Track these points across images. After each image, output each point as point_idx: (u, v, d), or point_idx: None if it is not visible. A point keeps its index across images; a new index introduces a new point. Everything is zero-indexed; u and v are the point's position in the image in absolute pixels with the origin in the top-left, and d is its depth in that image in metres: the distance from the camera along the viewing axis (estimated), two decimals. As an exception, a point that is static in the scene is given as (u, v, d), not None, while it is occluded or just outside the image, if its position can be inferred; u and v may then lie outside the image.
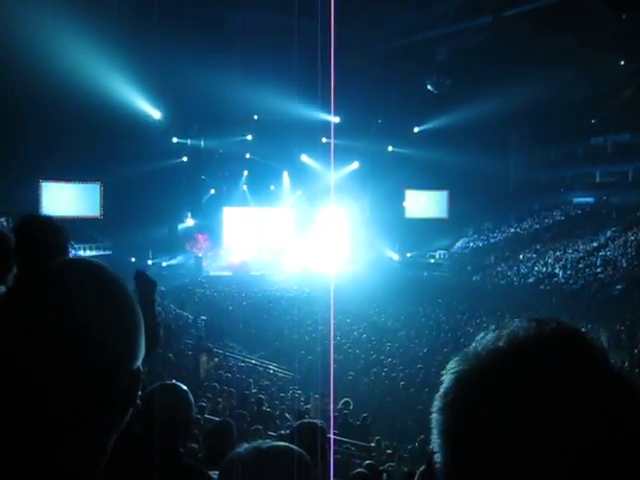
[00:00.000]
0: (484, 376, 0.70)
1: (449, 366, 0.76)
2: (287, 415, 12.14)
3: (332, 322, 24.01)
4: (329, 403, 12.21)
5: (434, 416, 0.75)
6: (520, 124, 48.84)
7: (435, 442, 0.75)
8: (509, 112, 44.59)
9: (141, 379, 0.97)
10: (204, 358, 17.57)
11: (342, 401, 12.74)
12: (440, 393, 0.75)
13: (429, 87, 41.70)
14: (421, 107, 42.52)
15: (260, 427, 8.30)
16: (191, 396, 2.81)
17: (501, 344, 0.72)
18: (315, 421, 3.68)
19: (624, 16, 40.52)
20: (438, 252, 46.97)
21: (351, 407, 12.68)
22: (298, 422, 3.56)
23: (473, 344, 0.76)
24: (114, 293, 0.96)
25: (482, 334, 0.77)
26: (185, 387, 2.87)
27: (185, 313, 27.06)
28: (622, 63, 46.74)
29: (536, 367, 0.67)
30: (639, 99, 46.24)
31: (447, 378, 0.75)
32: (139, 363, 0.97)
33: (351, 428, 11.84)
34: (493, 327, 0.77)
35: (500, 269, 40.87)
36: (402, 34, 37.89)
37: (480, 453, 0.68)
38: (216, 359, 18.29)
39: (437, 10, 37.23)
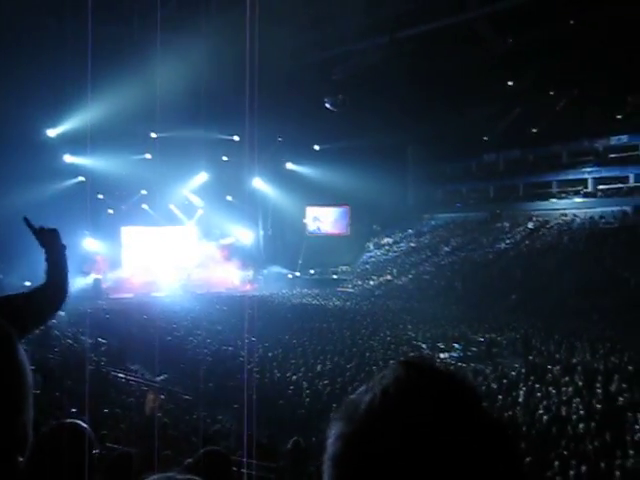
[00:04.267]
0: (374, 442, 0.70)
1: (334, 425, 0.75)
2: (194, 439, 11.88)
3: (237, 342, 23.82)
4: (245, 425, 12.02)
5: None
6: (417, 141, 50.23)
7: None
8: (406, 130, 45.83)
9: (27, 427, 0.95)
10: (151, 396, 16.98)
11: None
12: (330, 456, 0.74)
13: (327, 105, 42.28)
14: (321, 125, 43.01)
15: (169, 452, 8.08)
16: (91, 434, 2.65)
17: (382, 406, 0.72)
18: (218, 448, 3.65)
19: (510, 39, 42.53)
20: (340, 268, 47.46)
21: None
22: (203, 449, 3.49)
23: (356, 397, 0.76)
24: None
25: (363, 387, 0.77)
26: (85, 425, 2.70)
27: (84, 337, 26.13)
28: (510, 83, 48.92)
29: (416, 431, 0.69)
30: (527, 117, 48.53)
31: (335, 441, 0.74)
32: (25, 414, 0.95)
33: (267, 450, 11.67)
34: (376, 380, 0.77)
35: (401, 283, 41.69)
36: (301, 53, 38.34)
37: None
38: (162, 396, 17.66)
39: (334, 30, 37.85)
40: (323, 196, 47.71)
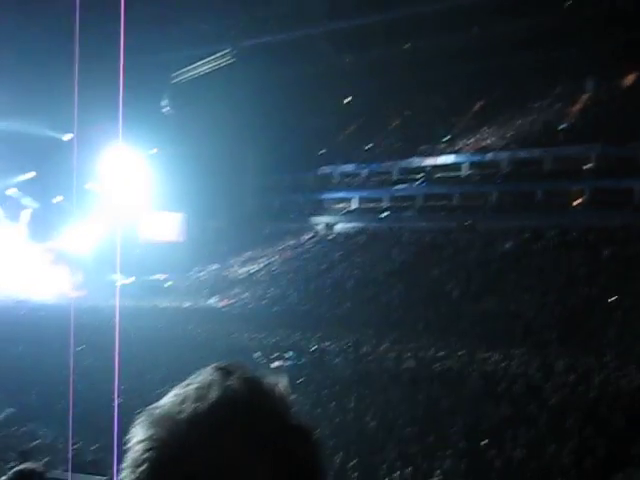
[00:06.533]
0: (170, 445, 0.70)
1: (137, 431, 0.74)
2: (11, 453, 11.11)
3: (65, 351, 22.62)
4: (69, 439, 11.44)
5: None
6: (257, 150, 50.47)
7: None
8: (247, 138, 45.99)
9: None
10: None
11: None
12: (132, 462, 0.72)
13: (166, 109, 41.55)
14: (160, 128, 42.07)
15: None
16: None
17: (186, 408, 0.72)
18: (33, 466, 3.43)
19: (348, 58, 44.11)
20: (175, 275, 46.47)
21: None
22: (15, 469, 3.27)
23: (161, 404, 0.76)
24: None
25: (172, 391, 0.76)
26: None
27: None
28: (348, 100, 50.69)
29: (220, 433, 0.70)
30: (362, 133, 50.39)
31: (137, 447, 0.72)
32: None
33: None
34: (184, 384, 0.77)
35: (236, 291, 41.57)
36: (141, 52, 37.29)
37: None
38: None
39: (177, 31, 37.26)
40: (159, 201, 46.59)
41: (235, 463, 0.67)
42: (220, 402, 0.72)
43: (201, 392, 0.73)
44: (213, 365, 0.79)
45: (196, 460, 0.67)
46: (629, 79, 41.30)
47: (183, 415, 0.71)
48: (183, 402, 0.73)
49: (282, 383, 0.78)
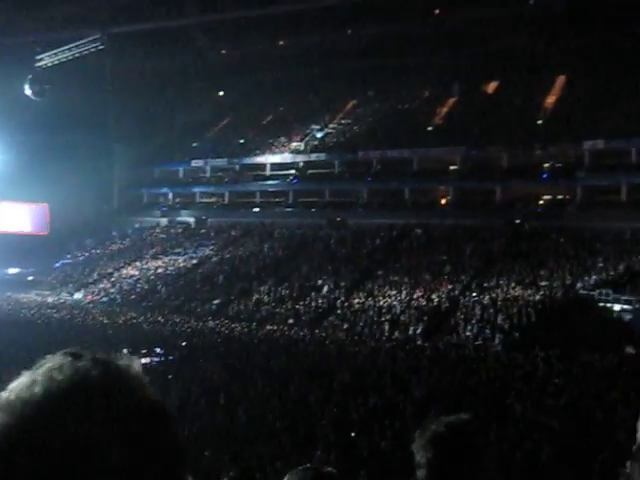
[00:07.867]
0: (21, 430, 0.68)
1: None
2: None
3: None
4: None
5: None
6: (125, 141, 49.00)
7: None
8: (115, 129, 44.58)
9: None
10: None
11: None
12: None
13: (28, 93, 39.47)
14: (22, 114, 39.90)
15: None
16: None
17: (37, 391, 0.69)
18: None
19: (224, 51, 43.79)
20: (39, 269, 44.31)
21: None
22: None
23: (9, 389, 0.71)
24: None
25: (20, 377, 0.72)
26: None
27: None
28: (221, 93, 50.31)
29: (71, 413, 0.68)
30: (235, 127, 50.18)
31: None
32: None
33: None
34: (33, 369, 0.73)
35: (102, 285, 40.31)
36: (1, 33, 35.34)
37: None
38: None
39: (42, 14, 35.47)
40: (18, 191, 44.08)
41: (86, 443, 0.66)
42: (71, 383, 0.69)
43: (51, 374, 0.70)
44: (62, 351, 0.75)
45: (43, 443, 0.65)
46: (492, 86, 43.61)
47: (31, 399, 0.68)
48: (31, 385, 0.69)
49: (136, 363, 0.75)
